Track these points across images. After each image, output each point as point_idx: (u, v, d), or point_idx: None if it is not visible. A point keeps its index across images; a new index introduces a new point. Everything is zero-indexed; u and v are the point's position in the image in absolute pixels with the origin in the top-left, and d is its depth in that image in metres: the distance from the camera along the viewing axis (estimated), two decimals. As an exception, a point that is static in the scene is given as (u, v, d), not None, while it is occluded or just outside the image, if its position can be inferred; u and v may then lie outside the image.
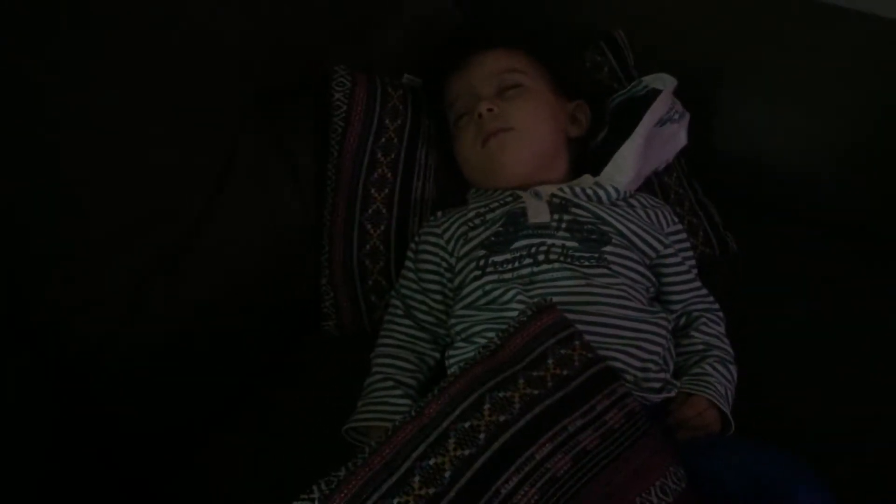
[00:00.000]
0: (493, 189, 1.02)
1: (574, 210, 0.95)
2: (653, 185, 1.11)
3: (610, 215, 0.95)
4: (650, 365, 0.88)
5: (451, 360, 0.91)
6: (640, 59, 1.17)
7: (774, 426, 0.87)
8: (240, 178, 0.97)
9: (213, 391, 0.97)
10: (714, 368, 0.92)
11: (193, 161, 0.94)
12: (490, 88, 1.03)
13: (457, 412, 0.70)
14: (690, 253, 1.03)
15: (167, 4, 0.93)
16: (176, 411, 0.94)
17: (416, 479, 0.66)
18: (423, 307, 0.99)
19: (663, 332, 0.91)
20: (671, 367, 0.92)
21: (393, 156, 1.08)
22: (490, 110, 1.00)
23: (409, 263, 1.02)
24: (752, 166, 1.16)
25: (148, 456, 0.93)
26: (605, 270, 0.91)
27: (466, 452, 0.68)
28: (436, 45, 1.18)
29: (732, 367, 0.93)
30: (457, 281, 0.96)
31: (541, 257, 0.91)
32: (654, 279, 0.96)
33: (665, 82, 1.05)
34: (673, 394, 0.89)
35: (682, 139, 1.08)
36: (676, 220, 1.03)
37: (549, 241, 0.92)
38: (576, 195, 0.97)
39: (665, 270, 0.98)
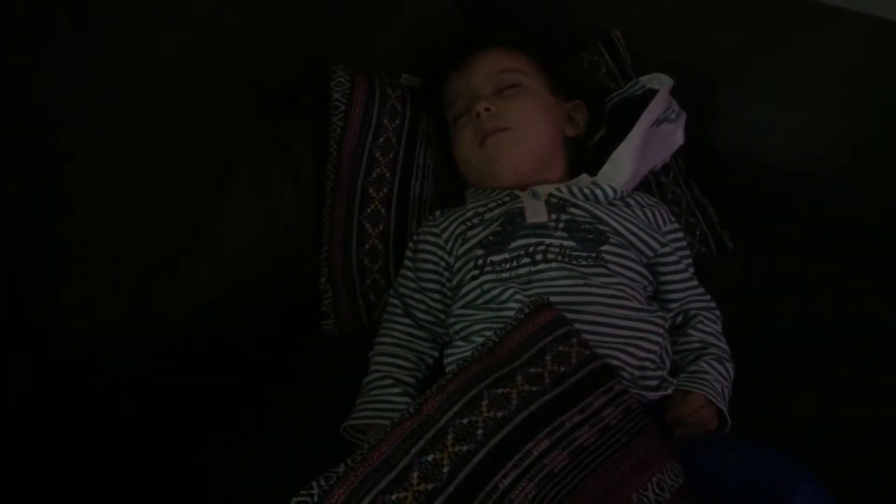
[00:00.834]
0: (492, 189, 1.02)
1: (572, 210, 0.96)
2: (650, 184, 1.11)
3: (607, 215, 0.96)
4: (647, 363, 0.88)
5: (450, 359, 0.91)
6: (639, 60, 1.17)
7: (773, 425, 0.87)
8: (240, 178, 0.97)
9: (213, 391, 0.97)
10: (710, 366, 0.92)
11: (193, 161, 0.94)
12: (488, 88, 1.03)
13: (455, 409, 0.71)
14: (687, 252, 1.03)
15: (167, 4, 0.93)
16: (176, 411, 0.94)
17: (415, 474, 0.67)
18: (422, 306, 0.99)
19: (660, 330, 0.91)
20: (668, 365, 0.92)
21: (391, 155, 1.08)
22: (488, 110, 1.00)
23: (407, 262, 1.02)
24: (752, 166, 1.16)
25: (148, 456, 0.93)
26: (603, 270, 0.91)
27: (465, 448, 0.68)
28: (435, 45, 1.19)
29: (729, 365, 0.93)
30: (455, 280, 0.96)
31: (538, 257, 0.91)
32: (651, 278, 0.96)
33: (662, 82, 1.05)
34: (670, 391, 0.89)
35: (678, 139, 1.08)
36: (673, 219, 1.03)
37: (547, 241, 0.92)
38: (573, 195, 0.97)
39: (662, 269, 0.98)
